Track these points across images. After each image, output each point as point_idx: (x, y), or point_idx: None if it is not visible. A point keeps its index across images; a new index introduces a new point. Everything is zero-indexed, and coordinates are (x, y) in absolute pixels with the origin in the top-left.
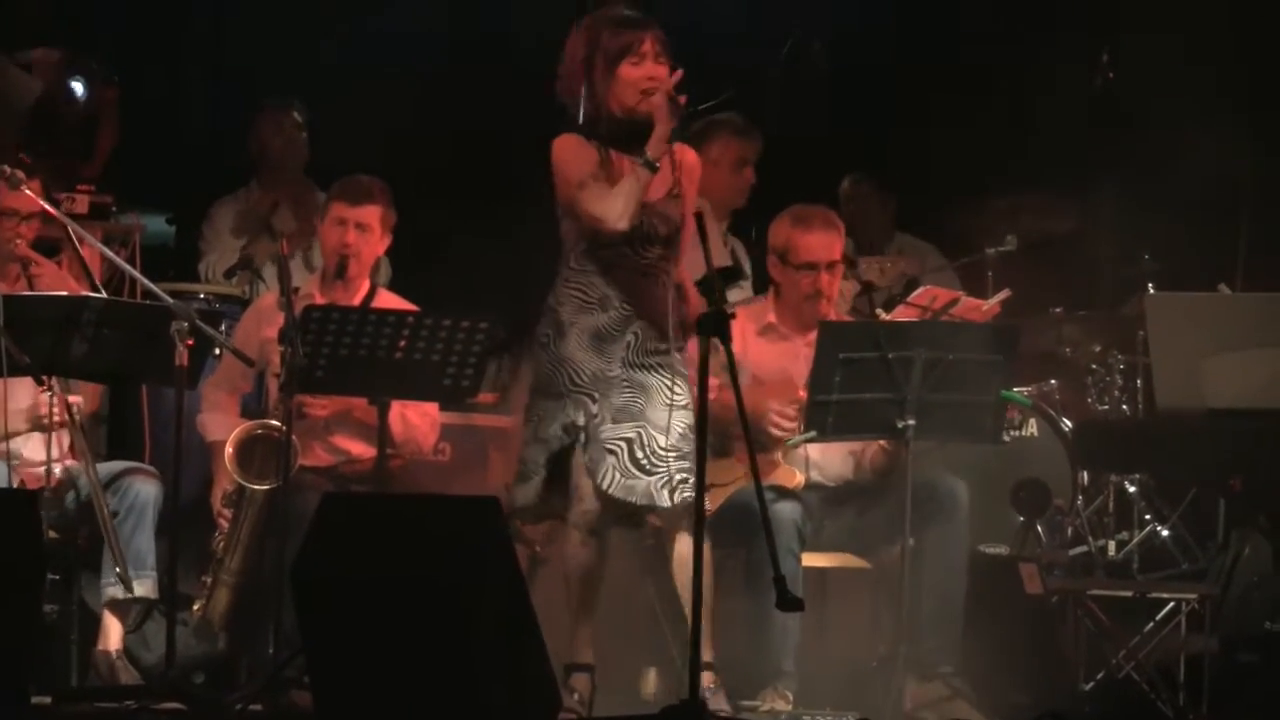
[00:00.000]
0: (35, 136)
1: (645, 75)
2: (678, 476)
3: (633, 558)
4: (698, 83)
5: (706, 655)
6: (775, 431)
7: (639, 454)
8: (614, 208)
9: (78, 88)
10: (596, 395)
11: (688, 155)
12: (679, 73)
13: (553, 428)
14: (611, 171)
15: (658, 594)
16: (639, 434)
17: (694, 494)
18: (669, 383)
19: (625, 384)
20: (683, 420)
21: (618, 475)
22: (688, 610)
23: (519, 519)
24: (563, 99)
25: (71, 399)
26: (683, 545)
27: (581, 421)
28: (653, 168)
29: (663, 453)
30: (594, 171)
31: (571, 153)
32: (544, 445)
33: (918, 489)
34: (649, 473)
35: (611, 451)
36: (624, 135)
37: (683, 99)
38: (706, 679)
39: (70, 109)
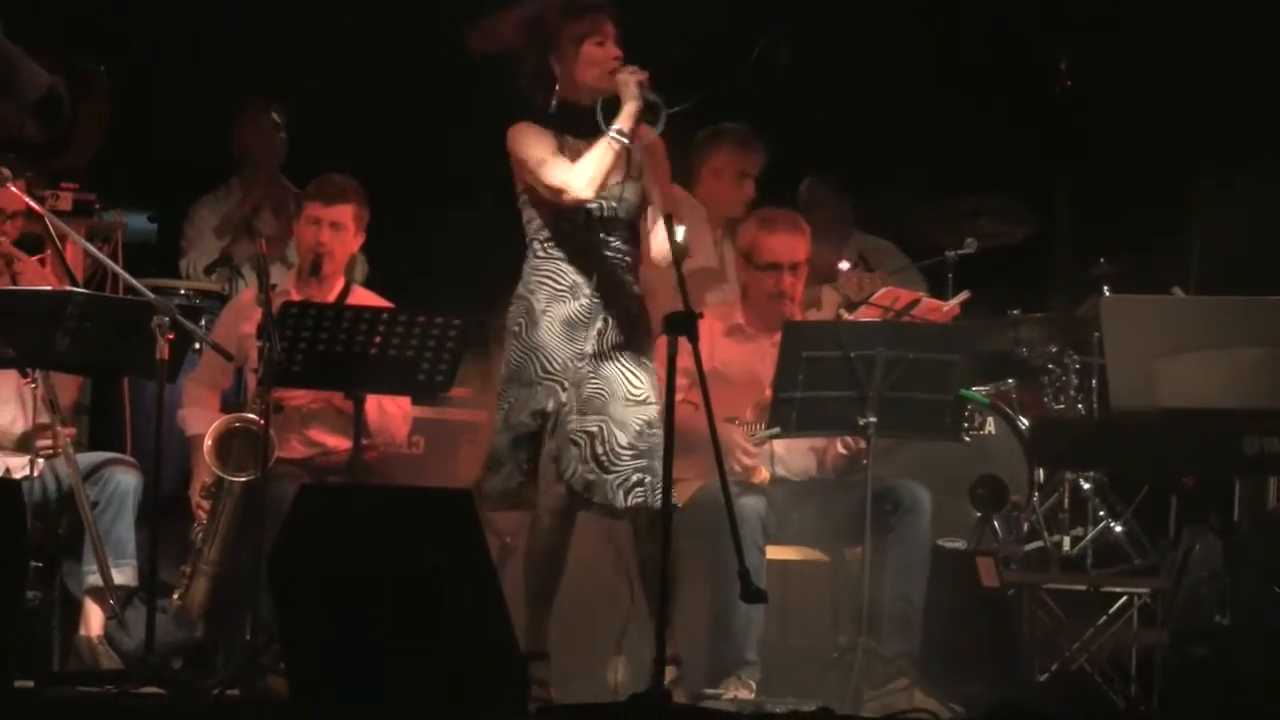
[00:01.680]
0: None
1: (610, 56)
2: (634, 477)
3: (601, 548)
4: (667, 85)
5: (669, 649)
6: (739, 468)
7: (599, 449)
8: (580, 175)
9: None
10: (566, 384)
11: (648, 136)
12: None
13: (523, 415)
14: (573, 157)
15: (625, 585)
16: (601, 428)
17: (646, 496)
18: (631, 375)
19: (593, 375)
20: (640, 416)
21: (579, 467)
22: (651, 607)
23: (491, 506)
24: (528, 92)
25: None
26: (651, 546)
27: (551, 408)
28: (624, 139)
29: (621, 451)
30: (553, 151)
31: (528, 135)
32: (512, 432)
33: (881, 494)
34: (607, 470)
35: (575, 443)
36: (588, 120)
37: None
38: (668, 673)
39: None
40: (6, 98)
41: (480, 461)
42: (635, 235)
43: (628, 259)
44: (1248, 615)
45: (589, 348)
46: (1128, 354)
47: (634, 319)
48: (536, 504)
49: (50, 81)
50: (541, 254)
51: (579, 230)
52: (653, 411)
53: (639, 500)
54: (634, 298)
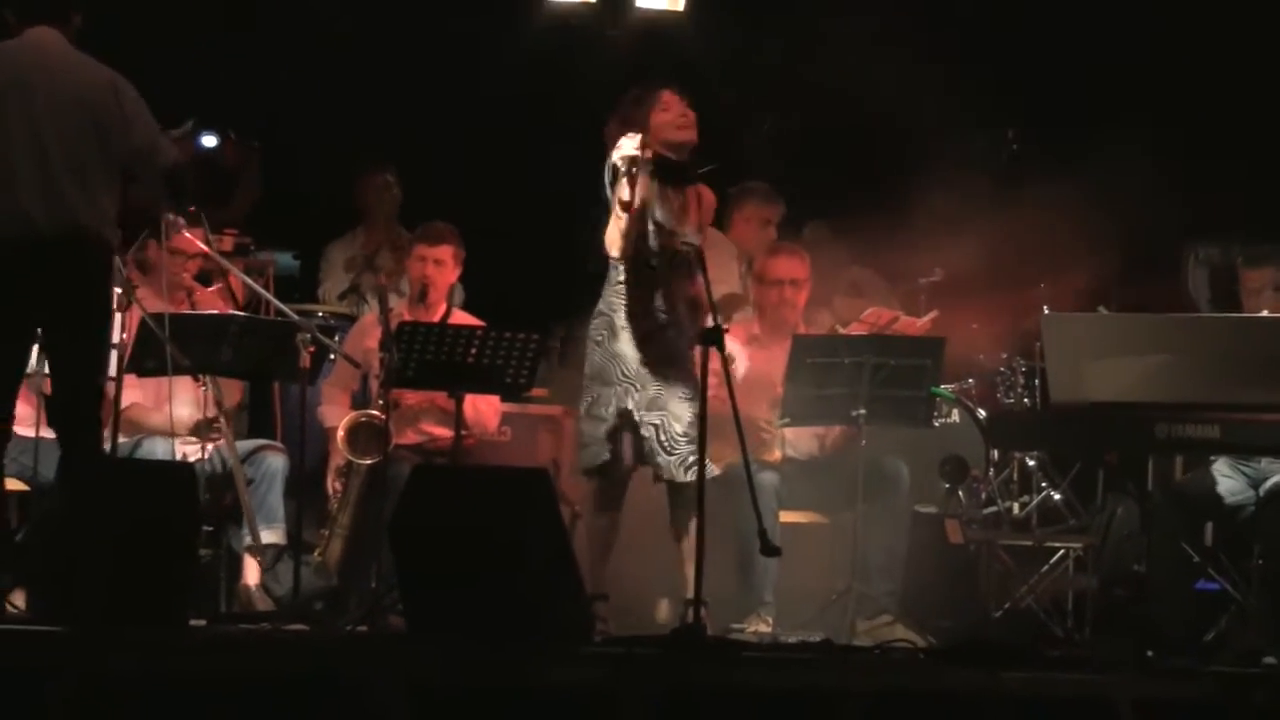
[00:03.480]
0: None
1: (677, 115)
2: (690, 459)
3: (653, 507)
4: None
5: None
6: (764, 436)
7: (662, 438)
8: (610, 238)
9: (208, 141)
10: (638, 386)
11: (706, 195)
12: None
13: (609, 409)
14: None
15: (671, 537)
16: (663, 420)
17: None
18: (684, 379)
19: (656, 379)
20: (690, 410)
21: (650, 452)
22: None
23: (587, 477)
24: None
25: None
26: (685, 512)
27: (630, 407)
28: (626, 209)
29: (678, 438)
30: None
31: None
32: (601, 422)
33: (868, 467)
34: (669, 453)
35: (646, 435)
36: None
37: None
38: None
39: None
40: (148, 172)
41: (560, 448)
42: (694, 268)
43: (687, 287)
44: (1159, 565)
45: (653, 357)
46: (1063, 359)
47: (690, 334)
48: (613, 479)
49: (178, 157)
50: (622, 279)
51: (651, 262)
52: (696, 406)
53: (694, 475)
54: (688, 318)
